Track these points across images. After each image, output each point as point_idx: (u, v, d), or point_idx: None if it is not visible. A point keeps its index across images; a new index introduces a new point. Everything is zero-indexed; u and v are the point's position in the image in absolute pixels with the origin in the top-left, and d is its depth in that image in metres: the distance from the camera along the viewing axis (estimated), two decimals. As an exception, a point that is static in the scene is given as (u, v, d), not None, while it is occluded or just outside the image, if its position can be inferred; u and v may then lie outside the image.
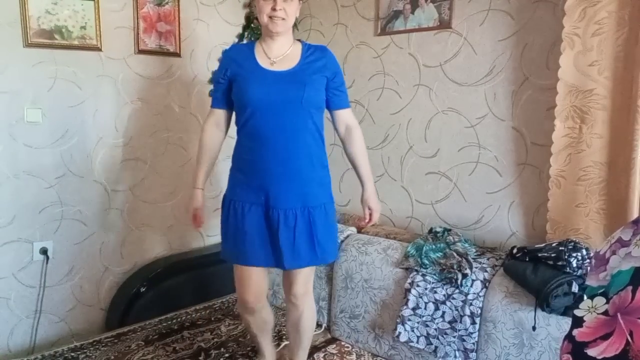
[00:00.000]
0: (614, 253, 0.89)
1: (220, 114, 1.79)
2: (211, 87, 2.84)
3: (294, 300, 1.81)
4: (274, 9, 1.59)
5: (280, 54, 1.69)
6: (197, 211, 1.80)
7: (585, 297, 0.90)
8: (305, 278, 1.80)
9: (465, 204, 2.37)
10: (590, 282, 0.92)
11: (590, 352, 0.81)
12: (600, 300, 0.86)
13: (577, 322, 0.88)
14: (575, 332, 0.87)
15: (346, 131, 1.81)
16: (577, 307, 0.89)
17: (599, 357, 0.80)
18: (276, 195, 1.65)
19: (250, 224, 1.67)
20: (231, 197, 1.73)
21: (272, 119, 1.62)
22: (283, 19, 1.61)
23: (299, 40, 1.76)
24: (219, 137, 1.81)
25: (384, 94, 2.64)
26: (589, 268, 0.96)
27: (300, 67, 1.67)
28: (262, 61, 1.69)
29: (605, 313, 0.83)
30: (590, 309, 0.86)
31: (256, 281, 1.76)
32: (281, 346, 2.27)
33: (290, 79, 1.65)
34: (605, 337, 0.81)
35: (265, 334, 1.94)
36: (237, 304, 1.93)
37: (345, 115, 1.80)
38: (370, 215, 1.81)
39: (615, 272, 0.86)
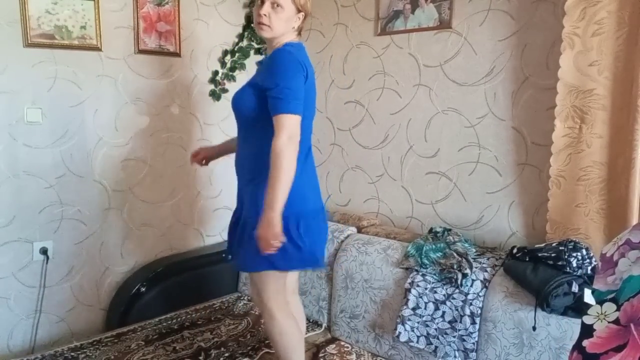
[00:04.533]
0: (622, 255, 0.86)
1: None
2: (211, 87, 2.86)
3: (258, 308, 1.85)
4: (259, 15, 1.60)
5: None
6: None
7: (593, 302, 0.87)
8: (261, 286, 1.71)
9: (465, 204, 2.37)
10: (598, 285, 0.89)
11: None
12: (610, 307, 0.83)
13: (587, 330, 0.85)
14: (585, 342, 0.84)
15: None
16: (586, 314, 0.86)
17: None
18: (238, 200, 1.78)
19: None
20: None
21: (238, 129, 1.75)
22: (268, 25, 1.60)
23: (287, 44, 1.64)
24: None
25: (384, 94, 2.64)
26: (595, 270, 0.92)
27: (254, 75, 1.73)
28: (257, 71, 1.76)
29: (617, 322, 0.81)
30: (600, 316, 0.83)
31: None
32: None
33: (239, 90, 1.72)
34: (618, 349, 0.78)
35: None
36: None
37: (275, 124, 1.52)
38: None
39: (626, 277, 0.83)
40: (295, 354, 1.75)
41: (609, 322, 0.82)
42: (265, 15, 1.58)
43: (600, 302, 0.86)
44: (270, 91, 1.52)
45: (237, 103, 1.68)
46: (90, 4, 2.32)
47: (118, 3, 2.43)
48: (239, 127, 1.74)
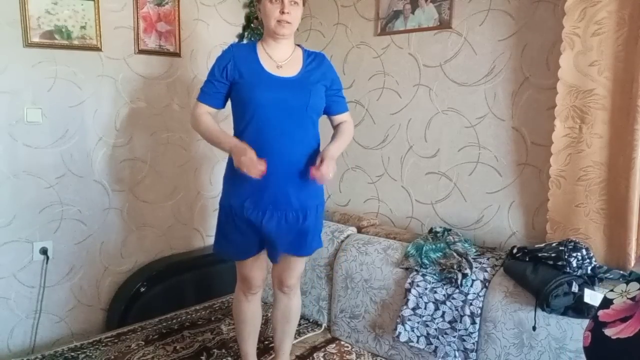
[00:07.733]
0: None
1: (214, 113, 1.78)
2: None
3: (287, 290, 1.92)
4: (282, 12, 1.63)
5: (284, 58, 1.73)
6: (252, 154, 1.57)
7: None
8: (299, 270, 1.91)
9: (465, 204, 2.37)
10: (637, 268, 0.93)
11: (607, 331, 0.84)
12: (634, 286, 0.87)
13: (606, 303, 0.89)
14: (600, 312, 0.89)
15: (341, 124, 1.88)
16: (605, 296, 0.90)
17: (614, 337, 0.82)
18: (281, 198, 1.69)
19: (253, 228, 1.71)
20: (235, 203, 1.72)
21: (279, 124, 1.65)
22: (289, 22, 1.66)
23: (298, 45, 1.81)
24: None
25: (384, 94, 2.64)
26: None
27: (303, 74, 1.73)
28: (267, 65, 1.70)
29: (634, 299, 0.85)
30: (623, 293, 0.87)
31: (262, 259, 1.85)
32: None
33: (296, 86, 1.69)
34: (624, 320, 0.83)
35: (254, 336, 1.99)
36: (237, 293, 1.94)
37: (343, 117, 1.87)
38: (322, 162, 1.64)
39: None
40: None
41: (627, 299, 0.86)
42: (289, 12, 1.64)
43: (628, 281, 0.90)
44: (338, 92, 1.84)
45: (320, 103, 1.75)
46: (90, 4, 2.32)
47: (118, 3, 2.43)
48: (293, 123, 1.67)
